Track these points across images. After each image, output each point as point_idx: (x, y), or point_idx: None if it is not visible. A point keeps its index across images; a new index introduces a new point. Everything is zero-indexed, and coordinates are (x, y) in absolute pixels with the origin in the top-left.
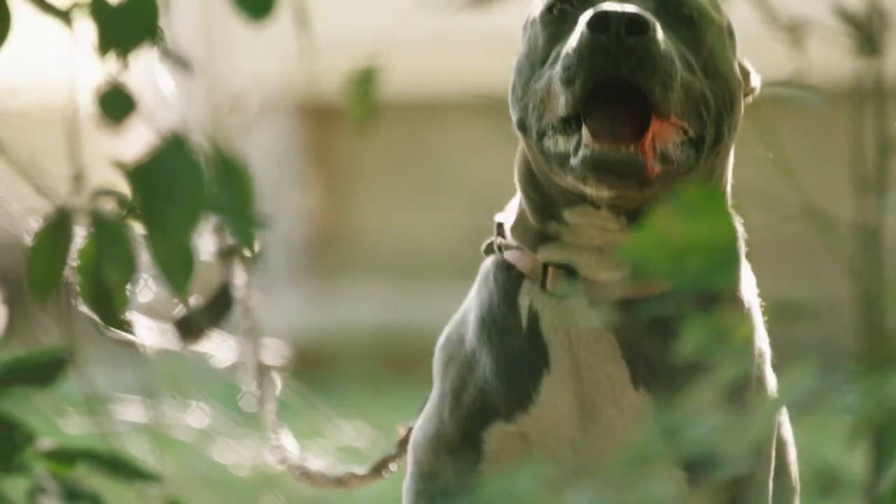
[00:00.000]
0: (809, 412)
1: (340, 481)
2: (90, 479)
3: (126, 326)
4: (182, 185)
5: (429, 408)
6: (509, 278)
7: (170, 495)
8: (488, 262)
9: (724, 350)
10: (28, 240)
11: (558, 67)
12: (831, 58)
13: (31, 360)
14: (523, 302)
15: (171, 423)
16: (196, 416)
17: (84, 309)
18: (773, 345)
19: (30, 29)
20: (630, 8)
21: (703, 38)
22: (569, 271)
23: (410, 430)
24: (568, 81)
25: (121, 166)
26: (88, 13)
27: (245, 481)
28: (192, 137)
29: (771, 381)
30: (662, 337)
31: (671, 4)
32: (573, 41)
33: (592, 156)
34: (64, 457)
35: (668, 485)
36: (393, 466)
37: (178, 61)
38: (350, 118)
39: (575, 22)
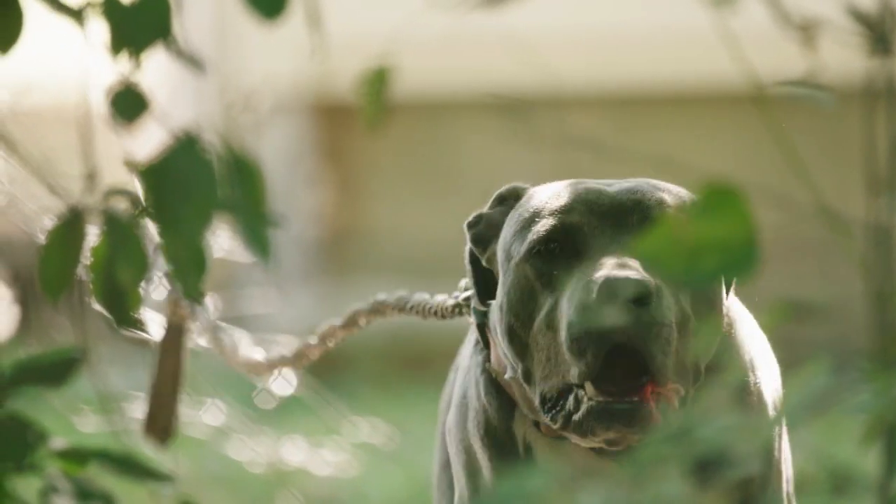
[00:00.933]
0: (822, 412)
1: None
2: (103, 478)
3: (139, 325)
4: (194, 185)
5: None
6: (501, 406)
7: (182, 494)
8: (475, 367)
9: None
10: (41, 239)
11: (564, 335)
12: (844, 58)
13: (45, 359)
14: (518, 432)
15: (185, 420)
16: (211, 414)
17: (97, 308)
18: (785, 344)
19: (42, 28)
20: (632, 272)
21: None
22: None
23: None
24: (579, 353)
25: (133, 166)
26: (101, 13)
27: (260, 479)
28: (204, 137)
29: (768, 392)
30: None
31: None
32: (577, 309)
33: (598, 406)
34: (76, 456)
35: (680, 485)
36: (337, 337)
37: (191, 61)
38: (363, 117)
39: (566, 262)
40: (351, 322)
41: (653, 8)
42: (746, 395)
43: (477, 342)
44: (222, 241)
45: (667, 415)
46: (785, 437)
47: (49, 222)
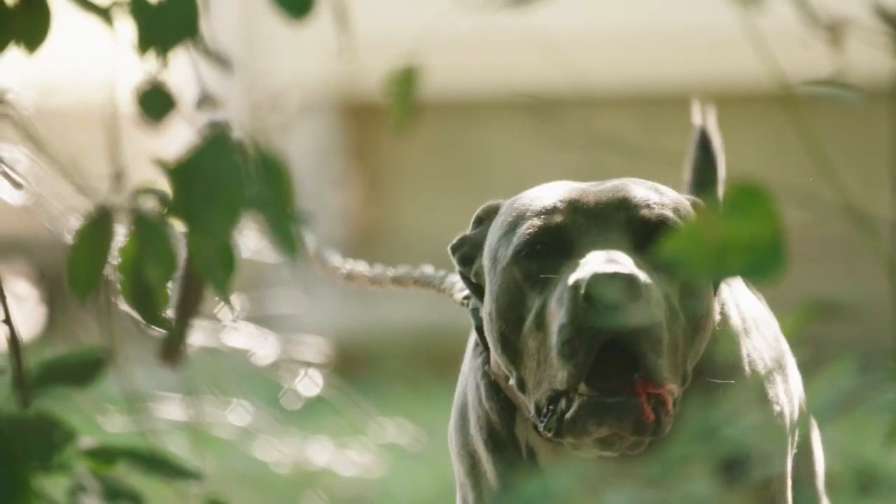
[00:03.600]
0: (848, 411)
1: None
2: (130, 477)
3: (167, 325)
4: (222, 184)
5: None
6: (503, 409)
7: (210, 493)
8: (476, 366)
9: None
10: (69, 238)
11: (555, 339)
12: (871, 57)
13: (72, 359)
14: (520, 435)
15: (211, 421)
16: (237, 414)
17: (125, 307)
18: (812, 344)
19: (70, 27)
20: (622, 266)
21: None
22: None
23: None
24: (570, 355)
25: (161, 165)
26: (128, 12)
27: (286, 479)
28: (232, 136)
29: (780, 395)
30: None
31: (651, 237)
32: (568, 309)
33: (590, 401)
34: (104, 455)
35: (707, 484)
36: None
37: (218, 60)
38: (390, 117)
39: (553, 262)
40: (377, 281)
41: (680, 8)
42: (765, 403)
43: (476, 345)
44: (249, 241)
45: (660, 415)
46: (816, 434)
47: (77, 222)
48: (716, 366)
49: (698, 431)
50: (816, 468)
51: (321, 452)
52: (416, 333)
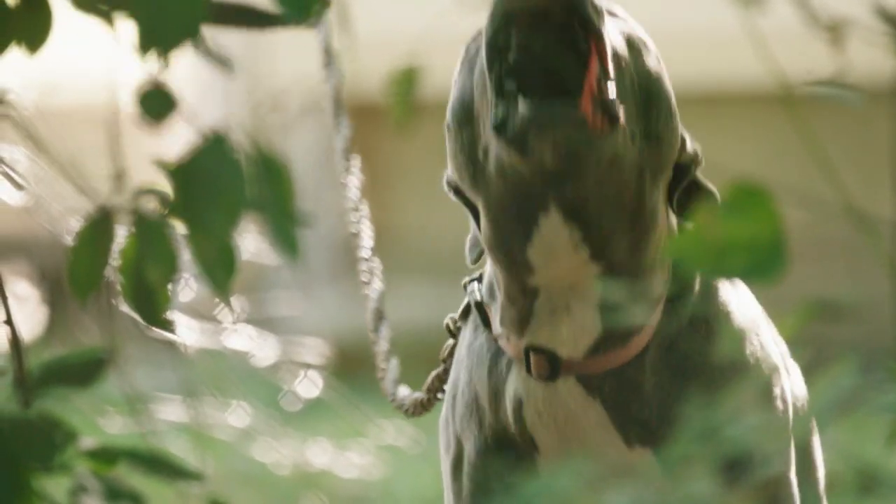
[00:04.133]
0: (849, 411)
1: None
2: (131, 477)
3: (168, 326)
4: (223, 184)
5: None
6: (502, 367)
7: (211, 493)
8: (480, 343)
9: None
10: (69, 239)
11: (484, 32)
12: (871, 57)
13: (72, 360)
14: (509, 390)
15: (211, 422)
16: (237, 416)
17: (125, 308)
18: (813, 344)
19: (71, 27)
20: None
21: (641, 65)
22: (550, 357)
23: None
24: (497, 28)
25: (162, 165)
26: (129, 12)
27: (285, 481)
28: (233, 136)
29: (785, 394)
30: (649, 393)
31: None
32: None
33: (531, 111)
34: (105, 455)
35: (709, 484)
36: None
37: (219, 60)
38: (391, 117)
39: None
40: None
41: (680, 8)
42: (770, 402)
43: (477, 326)
44: (249, 243)
45: (609, 106)
46: (816, 436)
47: (77, 223)
48: (720, 363)
49: (701, 430)
50: (816, 470)
51: (321, 454)
52: (416, 334)
